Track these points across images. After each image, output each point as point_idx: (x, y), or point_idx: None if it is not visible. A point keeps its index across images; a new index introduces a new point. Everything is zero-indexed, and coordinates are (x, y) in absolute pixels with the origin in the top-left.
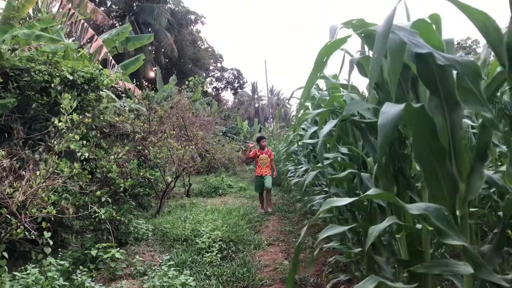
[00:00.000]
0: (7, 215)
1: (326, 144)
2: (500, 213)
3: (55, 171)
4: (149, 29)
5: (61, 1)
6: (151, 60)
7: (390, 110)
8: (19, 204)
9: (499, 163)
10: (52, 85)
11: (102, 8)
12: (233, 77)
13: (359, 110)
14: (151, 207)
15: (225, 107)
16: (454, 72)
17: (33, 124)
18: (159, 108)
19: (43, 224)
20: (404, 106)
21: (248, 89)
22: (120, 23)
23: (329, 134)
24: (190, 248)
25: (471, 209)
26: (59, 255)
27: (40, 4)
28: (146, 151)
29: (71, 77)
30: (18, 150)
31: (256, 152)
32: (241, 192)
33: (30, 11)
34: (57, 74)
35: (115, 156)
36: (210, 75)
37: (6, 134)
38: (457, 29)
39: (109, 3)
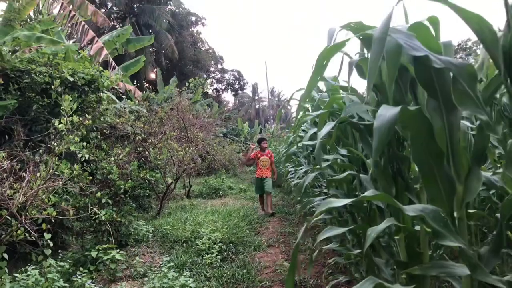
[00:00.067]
0: (8, 217)
1: (326, 145)
2: (498, 214)
3: (56, 172)
4: (150, 31)
5: (62, 3)
6: (151, 62)
7: (386, 113)
8: (19, 205)
9: (499, 165)
10: (53, 86)
11: (103, 10)
12: (234, 79)
13: (358, 112)
14: (151, 209)
15: (225, 108)
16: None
17: (34, 125)
18: (159, 110)
19: (43, 225)
20: (399, 109)
21: (248, 90)
22: (121, 25)
23: (328, 136)
24: (190, 249)
25: (470, 211)
26: (59, 257)
27: (41, 6)
28: (147, 152)
29: (71, 79)
30: (18, 151)
31: (257, 154)
32: (242, 193)
33: (31, 13)
34: (58, 75)
35: (116, 157)
36: (211, 76)
37: (6, 136)
38: (458, 30)
39: (110, 5)
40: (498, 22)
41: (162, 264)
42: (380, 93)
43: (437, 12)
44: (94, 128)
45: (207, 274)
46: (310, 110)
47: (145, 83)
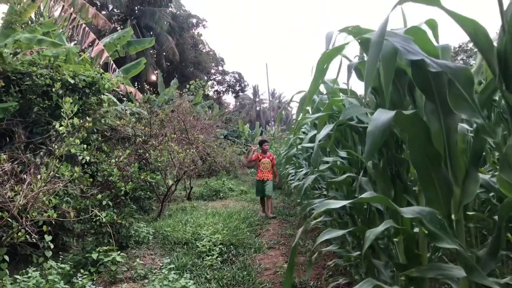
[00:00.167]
0: (8, 219)
1: (325, 148)
2: (496, 217)
3: (56, 174)
4: (151, 33)
5: (63, 6)
6: (152, 64)
7: (381, 117)
8: (20, 207)
9: (498, 167)
10: (54, 89)
11: (104, 12)
12: (235, 80)
13: (357, 114)
14: (152, 211)
15: (226, 110)
16: None
17: (35, 128)
18: (160, 112)
19: (44, 227)
20: (394, 113)
21: (249, 92)
22: (121, 27)
23: (327, 138)
24: (191, 251)
25: (470, 213)
26: (60, 259)
27: (42, 8)
28: (147, 154)
29: (72, 81)
30: (19, 153)
31: (258, 156)
32: (242, 195)
33: (32, 16)
34: (59, 78)
35: (116, 159)
36: (212, 78)
37: (7, 138)
38: (459, 32)
39: (111, 7)
40: (496, 25)
41: (162, 266)
42: (379, 96)
43: (437, 13)
44: (95, 130)
45: (208, 276)
46: (311, 112)
47: (146, 85)
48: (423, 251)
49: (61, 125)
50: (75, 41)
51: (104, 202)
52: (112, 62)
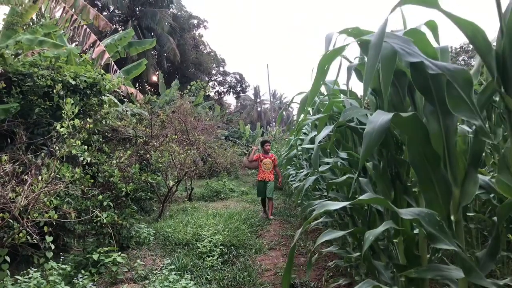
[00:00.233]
0: (10, 220)
1: (325, 149)
2: (495, 218)
3: (57, 175)
4: (152, 34)
5: (64, 7)
6: (153, 65)
7: (378, 119)
8: (21, 208)
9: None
10: (55, 90)
11: (105, 13)
12: (236, 81)
13: (356, 116)
14: (153, 211)
15: (227, 111)
16: None
17: (36, 129)
18: (161, 113)
19: (45, 228)
20: (392, 115)
21: (250, 93)
22: (123, 28)
23: (327, 139)
24: (191, 252)
25: (470, 214)
26: (61, 259)
27: (43, 9)
28: (148, 155)
29: (73, 82)
30: (20, 154)
31: (260, 156)
32: (243, 196)
33: (34, 17)
34: (60, 79)
35: (117, 160)
36: (213, 79)
37: (9, 139)
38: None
39: (112, 8)
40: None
41: (163, 266)
42: (379, 97)
43: (438, 14)
44: (96, 131)
45: (208, 277)
46: (311, 113)
47: (147, 86)
48: (423, 252)
49: (62, 126)
50: (76, 42)
51: (105, 203)
52: (113, 63)
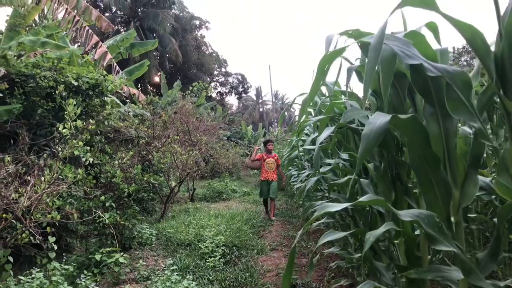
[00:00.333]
0: (13, 220)
1: (327, 150)
2: (495, 219)
3: (60, 176)
4: (154, 35)
5: (66, 8)
6: (155, 65)
7: (377, 120)
8: (24, 209)
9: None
10: (57, 91)
11: (107, 14)
12: (238, 82)
13: (357, 117)
14: (155, 212)
15: (229, 111)
16: None
17: (38, 130)
18: (163, 113)
19: (48, 229)
20: (390, 117)
21: (252, 93)
22: (125, 29)
23: (328, 140)
24: (193, 253)
25: (472, 215)
26: (64, 260)
27: (46, 11)
28: (150, 156)
29: (76, 83)
30: (23, 155)
31: (263, 156)
32: (245, 197)
33: (36, 18)
34: (62, 80)
35: (120, 161)
36: (215, 80)
37: (11, 140)
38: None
39: (114, 9)
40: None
41: (165, 267)
42: (379, 98)
43: (439, 15)
44: (98, 132)
45: (210, 278)
46: (313, 114)
47: (149, 87)
48: (424, 253)
49: (64, 127)
50: (79, 43)
51: (107, 204)
52: (115, 64)
